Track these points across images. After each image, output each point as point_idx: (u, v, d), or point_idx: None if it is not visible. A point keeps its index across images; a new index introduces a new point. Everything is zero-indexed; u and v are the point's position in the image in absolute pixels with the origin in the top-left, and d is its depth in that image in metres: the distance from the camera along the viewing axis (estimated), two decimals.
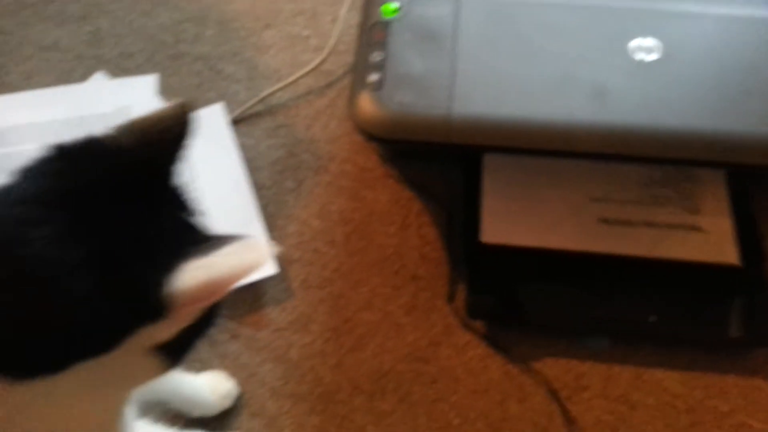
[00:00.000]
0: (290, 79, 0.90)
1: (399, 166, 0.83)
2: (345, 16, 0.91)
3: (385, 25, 0.75)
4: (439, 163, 0.83)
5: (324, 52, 0.90)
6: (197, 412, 0.66)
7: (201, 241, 0.39)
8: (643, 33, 0.73)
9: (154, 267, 0.37)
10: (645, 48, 0.72)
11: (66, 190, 0.38)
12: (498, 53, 0.72)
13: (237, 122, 0.87)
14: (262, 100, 0.89)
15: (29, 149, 0.94)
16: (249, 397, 0.69)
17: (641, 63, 0.71)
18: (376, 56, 0.73)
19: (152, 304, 0.37)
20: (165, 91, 0.90)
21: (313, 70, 0.90)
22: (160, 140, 0.42)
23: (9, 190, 0.39)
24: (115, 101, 0.88)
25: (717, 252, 0.72)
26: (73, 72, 0.91)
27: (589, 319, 0.71)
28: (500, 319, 0.73)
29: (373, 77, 0.72)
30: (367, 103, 0.71)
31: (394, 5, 0.76)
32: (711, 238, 0.73)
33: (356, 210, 0.81)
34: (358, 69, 0.74)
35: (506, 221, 0.74)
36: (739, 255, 0.72)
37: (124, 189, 0.40)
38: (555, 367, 0.70)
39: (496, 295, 0.71)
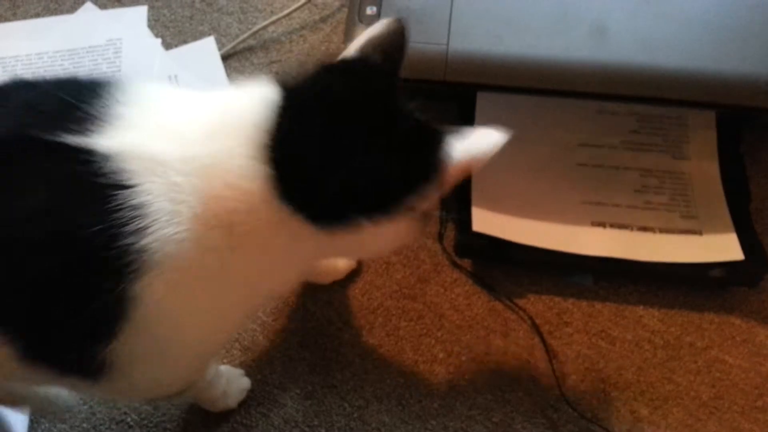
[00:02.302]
0: (284, 13, 0.88)
1: None
2: None
3: None
4: (434, 102, 0.82)
5: None
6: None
7: (449, 129, 0.49)
8: None
9: (435, 143, 0.48)
10: None
11: (354, 100, 0.48)
12: None
13: (228, 57, 0.86)
14: (254, 34, 0.87)
15: None
16: (241, 332, 0.71)
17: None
18: None
19: (433, 168, 0.48)
20: (156, 23, 0.89)
21: (307, 2, 0.89)
22: (393, 54, 0.52)
23: (312, 96, 0.48)
24: (105, 33, 0.87)
25: (718, 251, 0.71)
26: (61, 2, 0.90)
27: (574, 257, 0.73)
28: (488, 258, 0.74)
29: (370, 11, 0.71)
30: None
31: None
32: (711, 240, 0.72)
33: None
34: (354, 2, 0.72)
35: (496, 212, 0.73)
36: (741, 250, 0.71)
37: (383, 94, 0.50)
38: (538, 304, 0.73)
39: (485, 235, 0.72)
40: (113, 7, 0.90)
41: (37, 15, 0.88)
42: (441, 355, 0.71)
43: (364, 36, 0.52)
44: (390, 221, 0.48)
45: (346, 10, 0.76)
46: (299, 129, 0.46)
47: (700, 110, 0.79)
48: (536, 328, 0.71)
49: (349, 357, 0.70)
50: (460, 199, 0.75)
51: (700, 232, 0.73)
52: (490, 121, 0.78)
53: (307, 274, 0.72)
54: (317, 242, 0.47)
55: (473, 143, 0.49)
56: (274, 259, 0.48)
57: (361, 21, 0.70)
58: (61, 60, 0.85)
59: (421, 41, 0.68)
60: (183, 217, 0.43)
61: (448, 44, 0.68)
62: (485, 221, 0.71)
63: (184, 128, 0.46)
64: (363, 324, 0.72)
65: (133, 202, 0.42)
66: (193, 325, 0.48)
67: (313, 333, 0.71)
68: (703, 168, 0.77)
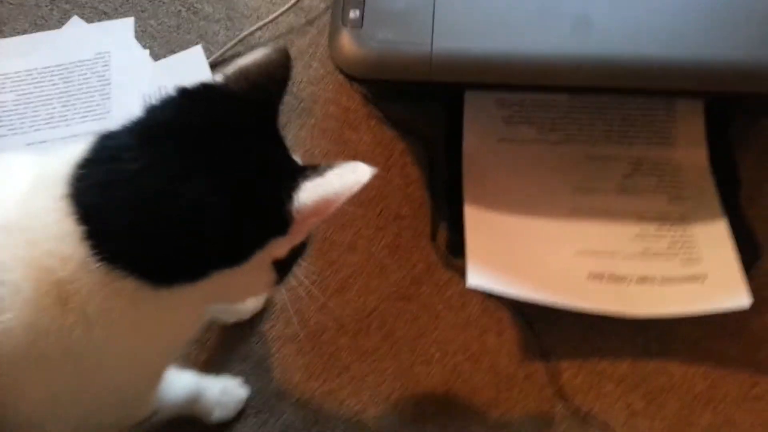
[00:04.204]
0: (270, 18, 0.88)
1: (382, 106, 0.83)
2: None
3: None
4: (422, 103, 0.83)
5: None
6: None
7: (307, 168, 0.45)
8: None
9: (280, 187, 0.43)
10: None
11: (193, 125, 0.44)
12: None
13: (217, 64, 0.86)
14: (241, 41, 0.87)
15: (7, 100, 0.94)
16: (237, 341, 0.72)
17: None
18: None
19: (281, 218, 0.43)
20: (143, 34, 0.89)
21: (293, 6, 0.88)
22: (267, 85, 0.47)
23: (138, 123, 0.44)
24: (93, 47, 0.87)
25: (724, 299, 0.66)
26: (48, 18, 0.90)
27: None
28: None
29: (353, 14, 0.71)
30: (347, 42, 0.70)
31: None
32: (716, 286, 0.68)
33: (340, 152, 0.81)
34: (338, 5, 0.72)
35: (491, 266, 0.69)
36: (749, 295, 0.66)
37: (240, 128, 0.45)
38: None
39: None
40: (100, 19, 0.90)
41: (24, 31, 0.88)
42: (437, 356, 0.71)
43: (236, 63, 0.48)
44: (237, 273, 0.44)
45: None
46: (110, 176, 0.41)
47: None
48: (530, 326, 0.72)
49: (345, 362, 0.71)
50: (450, 198, 0.75)
51: (703, 278, 0.69)
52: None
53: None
54: (167, 303, 0.43)
55: (327, 183, 0.43)
56: (129, 333, 0.43)
57: (344, 25, 0.70)
58: (51, 76, 0.85)
59: (405, 42, 0.68)
60: (5, 301, 0.39)
61: (432, 44, 0.68)
62: (480, 276, 0.67)
63: (2, 196, 0.43)
64: (359, 328, 0.73)
65: None
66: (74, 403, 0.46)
67: (309, 339, 0.72)
68: (704, 205, 0.73)
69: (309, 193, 0.43)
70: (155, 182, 0.41)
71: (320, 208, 0.43)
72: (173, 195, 0.41)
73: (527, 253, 0.71)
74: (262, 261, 0.45)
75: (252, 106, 0.46)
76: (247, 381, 0.69)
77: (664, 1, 0.69)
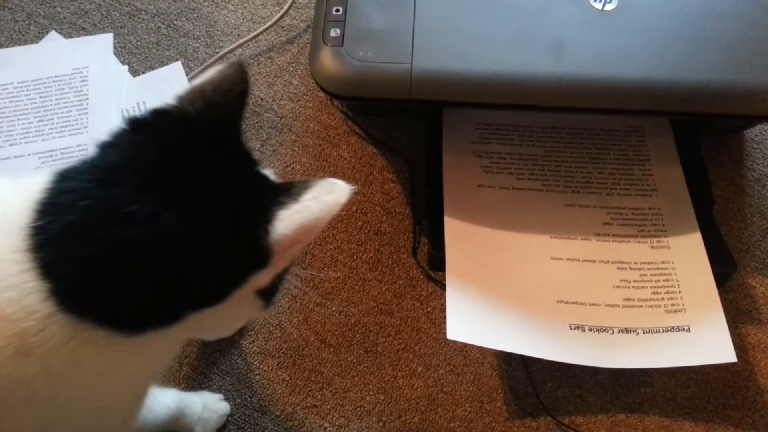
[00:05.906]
0: (250, 36, 0.89)
1: (362, 122, 0.84)
2: None
3: None
4: (402, 119, 0.84)
5: (284, 6, 0.89)
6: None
7: (282, 189, 0.42)
8: None
9: (255, 220, 0.41)
10: None
11: (150, 161, 0.41)
12: (457, 6, 0.72)
13: None
14: (221, 58, 0.88)
15: None
16: (218, 356, 0.71)
17: (599, 12, 0.71)
18: (336, 11, 0.73)
19: (259, 253, 0.41)
20: (122, 50, 0.88)
21: (273, 25, 0.89)
22: (225, 103, 0.45)
23: (94, 165, 0.41)
24: (71, 62, 0.87)
25: (709, 352, 0.65)
26: (25, 32, 0.89)
27: None
28: None
29: (334, 33, 0.72)
30: (327, 60, 0.70)
31: None
32: (701, 337, 0.66)
33: (321, 168, 0.82)
34: (318, 24, 0.73)
35: (471, 320, 0.67)
36: (734, 351, 0.65)
37: (201, 153, 0.42)
38: None
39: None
40: (78, 35, 0.89)
41: (0, 46, 0.88)
42: (419, 369, 0.71)
43: (190, 84, 0.46)
44: (217, 311, 0.42)
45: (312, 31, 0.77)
46: (70, 227, 0.38)
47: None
48: None
49: (327, 376, 0.70)
50: (431, 212, 0.76)
51: (688, 329, 0.67)
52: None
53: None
54: (140, 346, 0.41)
55: (304, 208, 0.41)
56: (100, 377, 0.42)
57: (325, 43, 0.71)
58: (27, 90, 0.84)
59: (385, 61, 0.69)
60: None
61: (412, 63, 0.69)
62: (460, 330, 0.66)
63: None
64: (341, 342, 0.72)
65: None
66: None
67: (291, 353, 0.71)
68: (688, 251, 0.72)
69: (286, 222, 0.40)
70: (118, 230, 0.38)
71: (301, 235, 0.41)
72: (139, 242, 0.38)
73: (507, 300, 0.69)
74: (244, 295, 0.43)
75: (211, 127, 0.44)
76: (229, 396, 0.68)
77: (633, 26, 0.71)
